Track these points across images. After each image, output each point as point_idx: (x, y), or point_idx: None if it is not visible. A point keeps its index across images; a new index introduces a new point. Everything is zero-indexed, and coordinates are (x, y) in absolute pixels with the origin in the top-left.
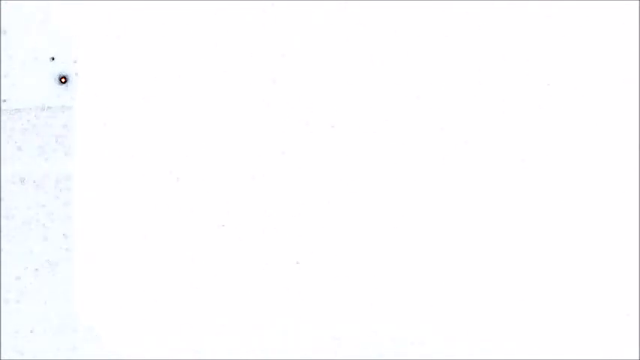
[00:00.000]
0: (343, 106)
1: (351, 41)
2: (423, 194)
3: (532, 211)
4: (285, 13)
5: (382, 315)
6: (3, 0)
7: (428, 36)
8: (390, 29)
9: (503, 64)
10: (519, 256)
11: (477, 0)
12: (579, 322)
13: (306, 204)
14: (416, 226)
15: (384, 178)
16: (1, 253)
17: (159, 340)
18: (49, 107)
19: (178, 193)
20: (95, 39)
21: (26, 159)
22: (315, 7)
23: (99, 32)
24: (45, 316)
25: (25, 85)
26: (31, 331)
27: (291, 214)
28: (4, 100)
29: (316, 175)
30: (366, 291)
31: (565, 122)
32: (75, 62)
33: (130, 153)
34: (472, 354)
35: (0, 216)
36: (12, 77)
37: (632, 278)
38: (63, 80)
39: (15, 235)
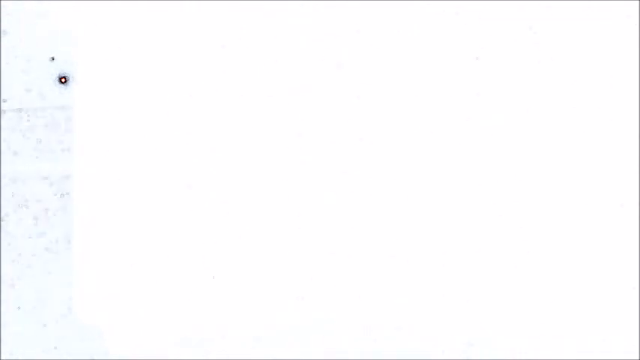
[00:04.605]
0: (345, 106)
1: (351, 42)
2: (422, 194)
3: (532, 211)
4: (285, 14)
5: (381, 315)
6: (3, 0)
7: (428, 37)
8: (392, 30)
9: (503, 65)
10: (519, 256)
11: (477, 0)
12: (579, 322)
13: (304, 204)
14: (415, 227)
15: (383, 180)
16: (1, 252)
17: (159, 340)
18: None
19: (178, 192)
20: (95, 39)
21: (26, 159)
22: (315, 8)
23: (99, 32)
24: (45, 316)
25: (25, 85)
26: (31, 332)
27: (291, 215)
28: (4, 100)
29: (316, 178)
30: (365, 292)
31: (565, 122)
32: (75, 62)
33: (129, 153)
34: (472, 354)
35: (0, 215)
36: (12, 77)
37: (632, 278)
38: (63, 80)
39: (14, 235)
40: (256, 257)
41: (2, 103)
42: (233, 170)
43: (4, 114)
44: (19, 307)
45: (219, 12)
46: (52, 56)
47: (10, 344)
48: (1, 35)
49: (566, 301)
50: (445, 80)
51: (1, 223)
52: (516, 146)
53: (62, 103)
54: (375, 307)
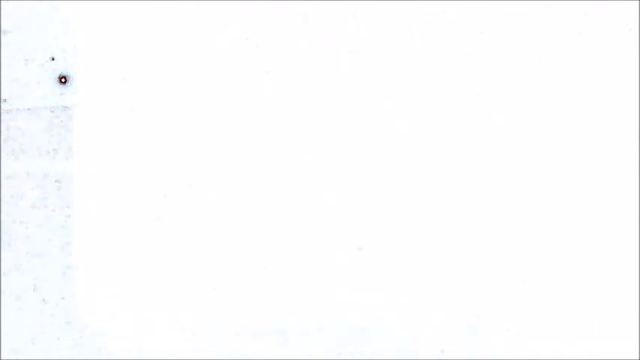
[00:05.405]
0: (344, 106)
1: (351, 42)
2: (422, 194)
3: (532, 211)
4: (285, 14)
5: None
6: (3, 0)
7: (427, 37)
8: (391, 30)
9: (503, 65)
10: (519, 256)
11: (477, 0)
12: (579, 322)
13: (304, 203)
14: (415, 227)
15: (383, 180)
16: (1, 252)
17: (159, 340)
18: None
19: (179, 191)
20: (95, 39)
21: (26, 159)
22: (315, 8)
23: (99, 32)
24: (45, 317)
25: (25, 85)
26: (31, 332)
27: (291, 215)
28: (4, 100)
29: (316, 178)
30: (365, 292)
31: (565, 122)
32: (75, 62)
33: (130, 153)
34: (472, 354)
35: (0, 216)
36: (12, 77)
37: (632, 278)
38: (63, 80)
39: (14, 234)
40: (256, 257)
41: (2, 103)
42: (233, 170)
43: (4, 114)
44: (18, 307)
45: (220, 12)
46: (52, 56)
47: (10, 344)
48: (1, 35)
49: (566, 302)
50: (445, 81)
51: (1, 222)
52: (516, 146)
53: (62, 103)
54: (375, 306)
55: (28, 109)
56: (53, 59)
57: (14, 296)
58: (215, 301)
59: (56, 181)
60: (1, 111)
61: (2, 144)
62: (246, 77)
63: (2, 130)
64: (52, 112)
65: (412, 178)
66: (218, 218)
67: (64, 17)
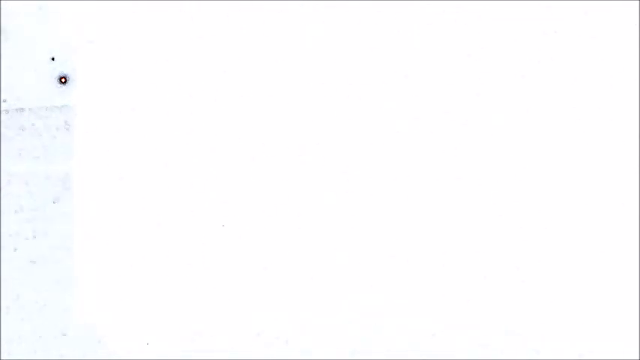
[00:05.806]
0: (345, 106)
1: (351, 43)
2: (422, 194)
3: (532, 211)
4: (286, 14)
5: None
6: (3, 0)
7: (428, 37)
8: (391, 30)
9: (503, 65)
10: (520, 256)
11: (478, 0)
12: (579, 322)
13: (304, 203)
14: (415, 227)
15: (383, 180)
16: (1, 252)
17: (159, 340)
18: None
19: (178, 192)
20: (95, 39)
21: (26, 159)
22: (315, 8)
23: (99, 32)
24: (44, 316)
25: (25, 85)
26: (31, 332)
27: (292, 215)
28: (4, 100)
29: (316, 178)
30: (366, 292)
31: (565, 122)
32: (75, 62)
33: (129, 152)
34: (472, 354)
35: (0, 216)
36: (12, 77)
37: (632, 278)
38: (63, 80)
39: (15, 234)
40: (256, 257)
41: (2, 103)
42: (233, 170)
43: (4, 114)
44: (18, 307)
45: (220, 12)
46: (52, 56)
47: (10, 344)
48: (1, 35)
49: (566, 301)
50: (445, 81)
51: (1, 222)
52: (516, 146)
53: (62, 103)
54: (375, 306)
55: (29, 109)
56: (53, 59)
57: (15, 297)
58: (215, 301)
59: (56, 180)
60: (1, 111)
61: (2, 144)
62: (246, 77)
63: (2, 130)
64: (52, 112)
65: (412, 178)
66: (218, 219)
67: (64, 17)
